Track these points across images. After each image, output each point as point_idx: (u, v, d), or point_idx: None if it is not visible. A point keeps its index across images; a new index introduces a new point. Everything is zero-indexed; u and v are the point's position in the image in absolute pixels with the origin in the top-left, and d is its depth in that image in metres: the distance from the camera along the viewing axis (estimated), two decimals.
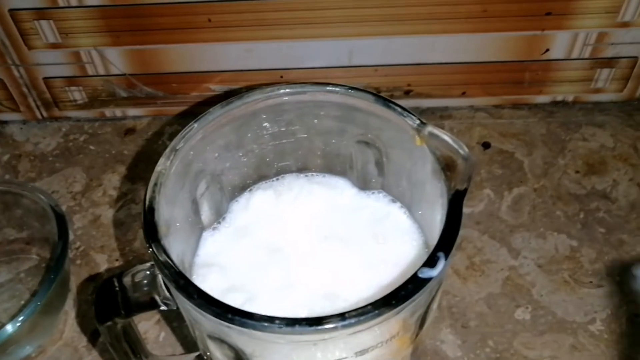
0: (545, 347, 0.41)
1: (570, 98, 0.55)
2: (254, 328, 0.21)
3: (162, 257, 0.24)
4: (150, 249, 0.24)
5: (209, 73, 0.53)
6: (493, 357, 0.41)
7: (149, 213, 0.25)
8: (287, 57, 0.52)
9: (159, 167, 0.26)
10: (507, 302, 0.44)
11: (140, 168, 0.53)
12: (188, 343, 0.42)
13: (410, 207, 0.32)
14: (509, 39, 0.50)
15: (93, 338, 0.43)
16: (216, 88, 0.54)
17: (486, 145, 0.53)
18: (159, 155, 0.53)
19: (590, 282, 0.44)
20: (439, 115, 0.56)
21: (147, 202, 0.25)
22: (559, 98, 0.55)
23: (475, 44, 0.51)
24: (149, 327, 0.43)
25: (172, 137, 0.55)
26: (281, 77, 0.53)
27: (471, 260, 0.46)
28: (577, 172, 0.51)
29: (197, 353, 0.34)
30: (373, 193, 0.33)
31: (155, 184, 0.26)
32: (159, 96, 0.55)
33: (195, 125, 0.28)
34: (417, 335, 0.27)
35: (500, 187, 0.50)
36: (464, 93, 0.55)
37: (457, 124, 0.55)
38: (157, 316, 0.44)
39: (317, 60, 0.52)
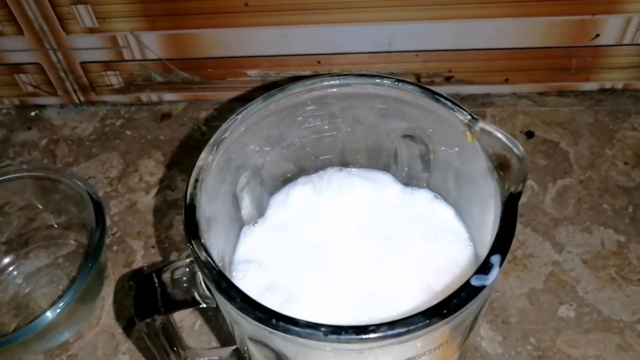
0: (590, 346, 0.40)
1: (619, 85, 0.53)
2: (299, 335, 0.21)
3: (203, 257, 0.23)
4: (191, 247, 0.23)
5: (245, 58, 0.52)
6: (535, 355, 0.40)
7: (190, 210, 0.24)
8: (325, 42, 0.51)
9: (200, 162, 0.26)
10: (550, 299, 0.42)
11: (177, 154, 0.53)
12: (224, 332, 0.42)
13: (455, 205, 0.31)
14: (556, 24, 0.48)
15: (130, 325, 0.43)
16: (252, 73, 0.53)
17: (530, 135, 0.51)
18: (195, 141, 0.54)
19: (639, 279, 0.42)
20: (480, 103, 0.54)
21: (188, 199, 0.25)
22: (608, 85, 0.53)
23: (519, 29, 0.49)
24: (184, 316, 0.43)
25: (207, 122, 0.55)
26: (318, 62, 0.52)
27: (513, 254, 0.44)
28: (625, 163, 0.49)
29: (234, 347, 0.34)
30: (417, 189, 0.32)
31: (197, 180, 0.25)
32: (194, 81, 0.55)
33: (237, 118, 0.27)
34: (464, 342, 0.26)
35: (544, 179, 0.48)
36: (506, 79, 0.53)
37: (499, 112, 0.53)
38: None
39: (356, 46, 0.51)
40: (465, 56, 0.51)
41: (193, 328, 0.43)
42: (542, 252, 0.45)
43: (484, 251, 0.28)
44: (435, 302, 0.24)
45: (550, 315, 0.41)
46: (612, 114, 0.52)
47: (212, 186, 0.26)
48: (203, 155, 0.26)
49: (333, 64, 0.52)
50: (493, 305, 0.42)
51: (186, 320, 0.43)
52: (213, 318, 0.43)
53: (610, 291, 0.42)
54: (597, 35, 0.48)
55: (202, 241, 0.23)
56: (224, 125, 0.27)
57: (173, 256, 0.47)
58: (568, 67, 0.51)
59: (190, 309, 0.43)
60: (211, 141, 0.27)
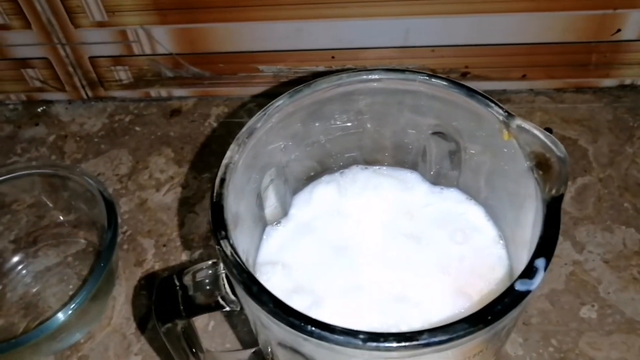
0: (613, 349, 0.39)
1: (639, 82, 0.52)
2: (336, 342, 0.20)
3: (233, 258, 0.22)
4: (219, 248, 0.22)
5: (257, 53, 0.51)
6: (556, 358, 0.39)
7: (218, 210, 0.23)
8: (339, 37, 0.50)
9: (225, 160, 0.25)
10: (572, 299, 0.41)
11: (187, 150, 0.52)
12: (238, 333, 0.41)
13: (486, 205, 0.30)
14: (576, 19, 0.47)
15: (141, 325, 0.42)
16: (264, 69, 0.52)
17: (548, 131, 0.50)
18: (205, 137, 0.53)
19: None
20: (497, 99, 0.53)
21: (214, 199, 0.24)
22: (628, 82, 0.52)
23: (538, 24, 0.48)
24: (197, 317, 0.42)
25: (218, 118, 0.54)
26: (332, 57, 0.51)
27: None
28: None
29: (255, 349, 0.33)
30: (446, 189, 0.31)
31: (223, 179, 0.24)
32: (205, 76, 0.54)
33: (264, 115, 0.26)
34: (501, 348, 0.25)
35: None
36: (524, 76, 0.52)
37: (516, 109, 0.52)
38: None
39: (371, 41, 0.50)
40: (482, 51, 0.50)
41: (206, 329, 0.42)
42: (562, 252, 0.44)
43: (517, 252, 0.27)
44: (467, 306, 0.23)
45: (572, 316, 0.41)
46: (632, 110, 0.51)
47: (239, 185, 0.25)
48: (229, 153, 0.25)
49: (347, 59, 0.51)
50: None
51: (199, 321, 0.42)
52: (227, 319, 0.42)
53: (633, 292, 0.41)
54: (619, 30, 0.47)
55: (231, 242, 0.22)
56: (249, 123, 0.26)
57: (185, 255, 0.46)
58: (587, 63, 0.50)
59: None
60: (237, 138, 0.26)
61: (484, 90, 0.54)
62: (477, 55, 0.50)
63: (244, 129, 0.26)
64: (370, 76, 0.27)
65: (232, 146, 0.25)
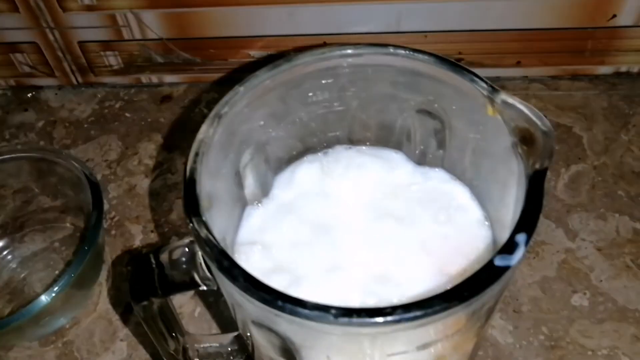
0: (605, 336, 0.38)
1: (635, 69, 0.51)
2: (307, 317, 0.19)
3: (204, 234, 0.21)
4: (191, 224, 0.22)
5: (248, 38, 0.51)
6: (547, 345, 0.38)
7: (190, 185, 0.23)
8: (331, 22, 0.49)
9: (200, 135, 0.24)
10: (563, 287, 0.41)
11: (177, 137, 0.52)
12: (225, 319, 0.41)
13: (471, 185, 0.30)
14: (571, 4, 0.46)
15: (127, 311, 0.42)
16: (256, 54, 0.52)
17: None
18: (196, 123, 0.52)
19: None
20: None
21: (187, 173, 0.23)
22: (623, 69, 0.51)
23: (532, 10, 0.47)
24: (184, 302, 0.42)
25: (209, 105, 0.54)
26: (324, 43, 0.50)
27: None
28: None
29: (236, 333, 0.32)
30: (431, 169, 0.30)
31: (197, 154, 0.24)
32: (196, 62, 0.53)
33: (241, 89, 0.26)
34: (482, 328, 0.25)
35: (556, 164, 0.47)
36: (518, 62, 0.51)
37: None
38: (192, 290, 0.42)
39: (363, 26, 0.49)
40: (476, 37, 0.49)
41: (193, 314, 0.41)
42: (554, 239, 0.43)
43: (502, 232, 0.27)
44: (449, 286, 0.23)
45: (563, 304, 0.40)
46: (627, 98, 0.50)
47: (214, 162, 0.25)
48: (203, 128, 0.25)
49: (338, 45, 0.50)
50: (504, 294, 0.41)
51: (186, 307, 0.42)
52: (214, 304, 0.42)
53: (626, 280, 0.41)
54: (614, 16, 0.47)
55: (203, 218, 0.22)
56: (226, 97, 0.25)
57: (173, 241, 0.45)
58: (583, 50, 0.50)
59: (189, 295, 0.42)
60: (212, 113, 0.25)
61: None
62: (471, 41, 0.50)
63: (219, 104, 0.25)
64: (352, 51, 0.26)
65: (206, 121, 0.25)
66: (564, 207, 0.45)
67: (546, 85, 0.52)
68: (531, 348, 0.38)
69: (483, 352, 0.38)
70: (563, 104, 0.51)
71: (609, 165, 0.46)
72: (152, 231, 0.46)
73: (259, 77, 0.26)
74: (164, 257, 0.25)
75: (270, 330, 0.22)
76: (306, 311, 0.19)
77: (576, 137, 0.48)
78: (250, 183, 0.29)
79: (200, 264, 0.25)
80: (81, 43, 0.52)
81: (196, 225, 0.22)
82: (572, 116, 0.50)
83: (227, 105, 0.25)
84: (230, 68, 0.53)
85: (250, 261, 0.27)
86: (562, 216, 0.44)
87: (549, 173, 0.45)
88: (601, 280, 0.41)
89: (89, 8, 0.49)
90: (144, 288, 0.25)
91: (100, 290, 0.43)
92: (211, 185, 0.24)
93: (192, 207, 0.22)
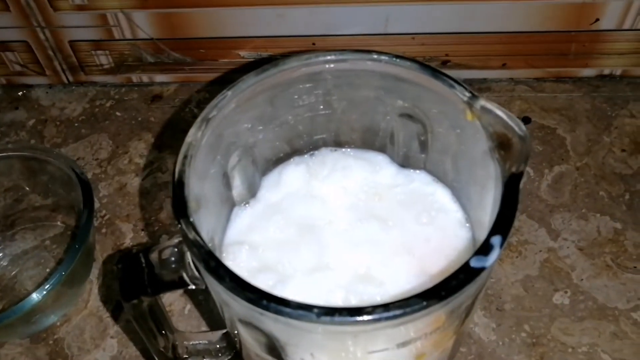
0: (585, 334, 0.39)
1: (618, 72, 0.52)
2: (290, 316, 0.20)
3: (192, 235, 0.22)
4: (180, 226, 0.22)
5: (238, 39, 0.51)
6: (529, 342, 0.39)
7: (178, 187, 0.23)
8: (320, 24, 0.50)
9: (189, 138, 0.25)
10: (545, 286, 0.42)
11: (167, 136, 0.52)
12: (214, 317, 0.42)
13: (453, 187, 0.30)
14: (555, 7, 0.47)
15: (118, 309, 0.42)
16: (246, 55, 0.52)
17: (526, 120, 0.51)
18: (186, 123, 0.53)
19: (635, 267, 0.42)
20: (477, 88, 0.53)
21: (176, 176, 0.24)
22: (606, 72, 0.52)
23: (518, 13, 0.48)
24: (174, 299, 0.42)
25: (199, 104, 0.54)
26: (313, 44, 0.51)
27: (508, 240, 0.44)
28: (623, 150, 0.48)
29: (225, 330, 0.33)
30: (414, 171, 0.31)
31: (185, 156, 0.24)
32: (186, 62, 0.54)
33: (228, 93, 0.26)
34: (460, 327, 0.25)
35: (540, 165, 0.48)
36: (504, 64, 0.52)
37: (496, 97, 0.53)
38: (180, 289, 0.43)
39: (352, 27, 0.50)
40: (463, 40, 0.50)
41: (183, 312, 0.42)
42: (537, 239, 0.44)
43: (482, 234, 0.27)
44: (430, 286, 0.24)
45: (545, 302, 0.41)
46: (610, 100, 0.51)
47: (202, 164, 0.25)
48: (192, 131, 0.25)
49: (328, 46, 0.51)
50: (487, 292, 0.41)
51: (176, 304, 0.42)
52: (203, 302, 0.42)
53: (606, 278, 0.42)
54: (597, 20, 0.47)
55: (191, 220, 0.22)
56: (214, 101, 0.26)
57: (163, 239, 0.46)
58: (567, 53, 0.51)
59: (179, 293, 0.43)
60: (200, 117, 0.26)
61: (465, 79, 0.54)
62: (458, 43, 0.51)
63: (207, 107, 0.26)
64: (338, 56, 0.27)
65: (195, 124, 0.25)
66: (547, 207, 0.46)
67: (531, 87, 0.53)
68: (513, 345, 0.39)
69: (466, 349, 0.39)
70: (547, 105, 0.52)
71: (591, 167, 0.47)
72: (142, 230, 0.47)
73: (247, 82, 0.27)
74: (154, 256, 0.26)
75: (256, 328, 0.23)
76: (290, 310, 0.20)
77: (560, 138, 0.49)
78: (238, 184, 0.30)
79: (189, 263, 0.25)
80: (72, 42, 0.52)
81: (184, 227, 0.22)
82: (556, 118, 0.51)
83: (215, 109, 0.26)
84: (220, 68, 0.54)
85: (237, 261, 0.28)
86: (545, 216, 0.45)
87: (533, 174, 0.47)
88: (582, 279, 0.42)
89: (80, 7, 0.49)
90: (134, 287, 0.26)
91: (91, 288, 0.44)
92: (199, 187, 0.25)
93: (181, 209, 0.23)
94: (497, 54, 0.51)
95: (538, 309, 0.41)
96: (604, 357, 0.38)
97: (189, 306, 0.42)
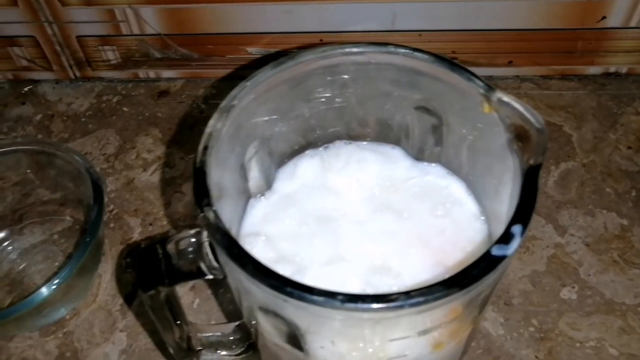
0: (592, 329, 0.40)
1: (623, 69, 0.52)
2: (314, 303, 0.20)
3: (216, 223, 0.22)
4: (202, 214, 0.23)
5: (246, 35, 0.51)
6: (537, 337, 0.40)
7: (200, 176, 0.23)
8: (327, 20, 0.50)
9: (209, 129, 0.25)
10: (553, 281, 0.42)
11: (175, 131, 0.52)
12: (223, 310, 0.42)
13: (467, 180, 0.31)
14: (561, 5, 0.47)
15: (127, 302, 0.43)
16: (253, 51, 0.53)
17: None
18: (193, 119, 0.53)
19: None
20: None
21: (197, 165, 0.24)
22: (612, 69, 0.52)
23: (524, 10, 0.48)
24: (183, 294, 0.43)
25: (206, 100, 0.54)
26: (320, 40, 0.51)
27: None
28: (629, 147, 0.48)
29: (237, 323, 0.33)
30: (428, 164, 0.31)
31: (206, 147, 0.24)
32: (193, 58, 0.54)
33: (247, 84, 0.26)
34: (477, 317, 0.26)
35: (546, 162, 0.48)
36: (510, 62, 0.53)
37: None
38: (192, 282, 0.43)
39: (359, 24, 0.50)
40: (469, 37, 0.50)
41: (191, 306, 0.42)
42: (544, 235, 0.44)
43: (496, 226, 0.28)
44: (446, 277, 0.24)
45: (553, 297, 0.41)
46: (615, 98, 0.52)
47: (222, 154, 0.25)
48: (211, 122, 0.25)
49: (334, 43, 0.51)
50: (497, 285, 0.42)
51: (185, 299, 0.42)
52: (212, 296, 0.42)
53: (613, 274, 0.42)
54: (604, 17, 0.48)
55: (214, 208, 0.23)
56: (233, 92, 0.26)
57: (171, 234, 0.46)
58: (573, 50, 0.51)
59: (188, 287, 0.43)
60: (220, 107, 0.26)
61: None
62: (464, 40, 0.51)
63: (226, 99, 0.26)
64: (353, 49, 0.27)
65: (215, 115, 0.25)
66: (553, 203, 0.46)
67: (537, 85, 0.53)
68: (521, 339, 0.39)
69: (475, 343, 0.39)
70: (553, 103, 0.52)
71: (598, 163, 0.48)
72: (150, 224, 0.47)
73: (265, 73, 0.27)
74: (171, 247, 0.26)
75: (277, 316, 0.23)
76: (314, 297, 0.20)
77: (566, 135, 0.50)
78: (254, 176, 0.30)
79: (207, 253, 0.25)
80: (79, 37, 0.52)
81: (208, 216, 0.22)
82: (562, 115, 0.51)
83: (234, 100, 0.26)
84: (227, 64, 0.54)
85: (254, 252, 0.28)
86: (552, 212, 0.45)
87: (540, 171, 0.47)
88: (589, 275, 0.42)
89: (88, 3, 0.49)
90: (151, 277, 0.26)
91: (100, 282, 0.44)
92: (219, 176, 0.25)
93: (204, 197, 0.23)
94: (503, 52, 0.52)
95: (546, 303, 0.41)
96: (612, 351, 0.39)
97: (198, 300, 0.42)
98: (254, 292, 0.22)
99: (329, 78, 0.29)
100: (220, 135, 0.25)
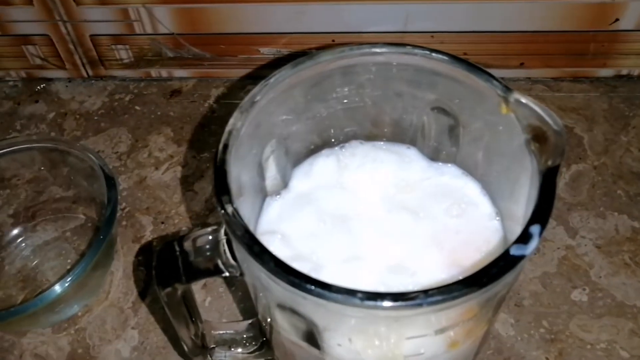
0: (603, 331, 0.40)
1: (635, 72, 0.52)
2: (333, 300, 0.20)
3: (236, 220, 0.22)
4: (223, 211, 0.23)
5: (258, 35, 0.52)
6: (547, 338, 0.40)
7: (221, 174, 0.24)
8: (340, 21, 0.50)
9: (229, 127, 0.25)
10: (564, 283, 0.42)
11: (186, 130, 0.52)
12: (235, 309, 0.42)
13: (483, 180, 0.31)
14: (574, 7, 0.48)
15: (139, 300, 0.43)
16: (265, 51, 0.53)
17: None
18: (205, 118, 0.53)
19: None
20: None
21: (217, 163, 0.24)
22: (624, 72, 0.52)
23: (537, 12, 0.48)
24: (194, 292, 0.42)
25: (218, 100, 0.54)
26: (333, 41, 0.51)
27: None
28: None
29: (251, 320, 0.34)
30: (444, 164, 0.32)
31: (226, 145, 0.25)
32: (206, 57, 0.54)
33: (267, 84, 0.27)
34: (493, 317, 0.26)
35: None
36: (522, 64, 0.53)
37: None
38: (204, 281, 0.43)
39: (371, 25, 0.50)
40: (481, 38, 0.50)
41: (203, 304, 0.42)
42: (555, 237, 0.44)
43: (512, 226, 0.28)
44: (461, 277, 0.24)
45: (563, 299, 0.41)
46: (627, 100, 0.52)
47: (241, 153, 0.26)
48: (232, 120, 0.26)
49: (348, 44, 0.51)
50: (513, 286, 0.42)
51: (196, 297, 0.42)
52: (224, 295, 0.43)
53: (624, 276, 0.42)
54: (617, 20, 0.48)
55: (234, 205, 0.23)
56: (253, 91, 0.26)
57: (183, 232, 0.46)
58: (585, 53, 0.51)
59: (200, 285, 0.43)
60: (240, 106, 0.26)
61: None
62: (476, 41, 0.51)
63: (247, 98, 0.26)
64: (372, 49, 0.27)
65: (235, 114, 0.26)
66: (564, 205, 0.46)
67: (548, 87, 0.53)
68: (532, 341, 0.40)
69: (485, 344, 0.39)
70: (565, 105, 0.52)
71: (609, 166, 0.48)
72: (162, 222, 0.47)
73: (285, 73, 0.27)
74: (188, 244, 0.26)
75: (295, 313, 0.23)
76: (333, 294, 0.20)
77: (577, 137, 0.50)
78: (271, 174, 0.30)
79: (224, 251, 0.25)
80: (93, 36, 0.53)
81: (227, 210, 0.23)
82: (574, 117, 0.51)
83: (254, 99, 0.26)
84: (239, 64, 0.54)
85: (271, 250, 0.28)
86: (563, 214, 0.45)
87: None
88: (600, 277, 0.42)
89: (102, 2, 0.50)
90: (169, 274, 0.26)
91: (112, 279, 0.44)
92: (238, 175, 0.25)
93: (224, 194, 0.23)
94: (515, 53, 0.52)
95: (556, 305, 0.41)
96: (623, 354, 0.39)
97: (210, 298, 0.43)
98: (273, 289, 0.22)
99: (346, 78, 0.29)
100: (239, 134, 0.25)
